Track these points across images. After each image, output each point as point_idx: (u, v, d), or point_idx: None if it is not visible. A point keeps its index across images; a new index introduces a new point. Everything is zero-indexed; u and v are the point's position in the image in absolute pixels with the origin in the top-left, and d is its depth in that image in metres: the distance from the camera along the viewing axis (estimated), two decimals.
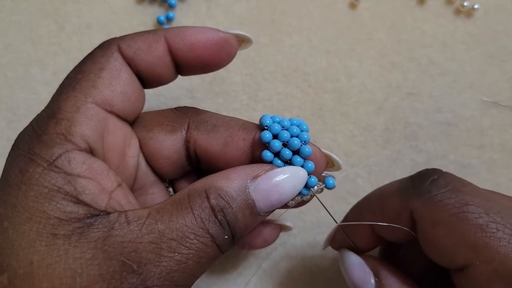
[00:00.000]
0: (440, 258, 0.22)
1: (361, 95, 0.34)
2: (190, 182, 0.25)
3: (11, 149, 0.21)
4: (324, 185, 0.23)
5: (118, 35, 0.23)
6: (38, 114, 0.21)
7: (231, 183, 0.20)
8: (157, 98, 0.34)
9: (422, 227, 0.22)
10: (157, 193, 0.25)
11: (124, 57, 0.23)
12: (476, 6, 0.35)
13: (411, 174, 0.24)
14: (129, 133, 0.24)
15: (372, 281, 0.24)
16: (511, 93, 0.34)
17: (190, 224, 0.19)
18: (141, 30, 0.31)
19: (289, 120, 0.23)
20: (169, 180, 0.26)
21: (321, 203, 0.24)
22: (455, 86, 0.34)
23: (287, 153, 0.22)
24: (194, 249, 0.19)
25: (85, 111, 0.21)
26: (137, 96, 0.23)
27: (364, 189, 0.32)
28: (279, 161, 0.22)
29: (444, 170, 0.23)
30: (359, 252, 0.25)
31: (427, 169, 0.23)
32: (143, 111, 0.25)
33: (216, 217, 0.20)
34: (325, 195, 0.25)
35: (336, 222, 0.25)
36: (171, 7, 0.35)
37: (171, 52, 0.23)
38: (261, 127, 0.23)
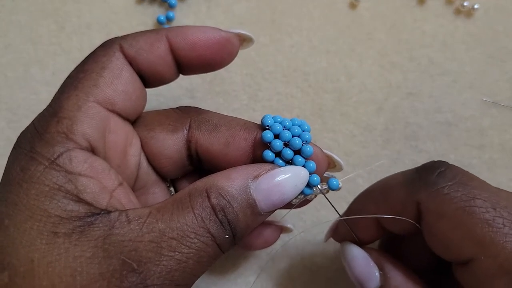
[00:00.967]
0: (444, 251, 0.22)
1: (361, 95, 0.34)
2: (192, 182, 0.25)
3: (13, 147, 0.21)
4: (327, 185, 0.23)
5: (118, 35, 0.23)
6: (40, 113, 0.21)
7: (232, 182, 0.20)
8: (157, 98, 0.34)
9: (427, 219, 0.22)
10: (158, 193, 0.25)
11: (126, 56, 0.23)
12: (476, 6, 0.35)
13: None
14: (130, 132, 0.24)
15: (377, 274, 0.24)
16: (511, 93, 0.34)
17: (190, 223, 0.19)
18: (141, 30, 0.31)
19: (290, 120, 0.23)
20: (170, 180, 0.26)
21: (327, 199, 0.24)
22: (455, 86, 0.34)
23: (288, 152, 0.22)
24: (194, 248, 0.19)
25: (86, 110, 0.21)
26: (138, 95, 0.23)
27: (364, 188, 0.32)
28: (281, 161, 0.22)
29: None
30: (361, 244, 0.25)
31: (434, 161, 0.23)
32: (144, 111, 0.25)
33: (216, 216, 0.19)
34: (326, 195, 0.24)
35: (340, 215, 0.25)
36: (171, 7, 0.35)
37: (173, 51, 0.23)
38: (263, 127, 0.23)
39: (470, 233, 0.20)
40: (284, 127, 0.22)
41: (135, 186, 0.25)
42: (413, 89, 0.34)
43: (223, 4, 0.36)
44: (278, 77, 0.35)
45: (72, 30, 0.36)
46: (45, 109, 0.21)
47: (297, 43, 0.35)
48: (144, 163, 0.25)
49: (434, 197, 0.21)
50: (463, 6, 0.35)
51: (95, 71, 0.22)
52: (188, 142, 0.24)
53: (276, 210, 0.22)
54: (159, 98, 0.34)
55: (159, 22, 0.35)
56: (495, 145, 0.33)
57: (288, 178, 0.21)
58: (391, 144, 0.33)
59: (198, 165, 0.25)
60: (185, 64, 0.24)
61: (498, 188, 0.22)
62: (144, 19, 0.36)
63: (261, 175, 0.21)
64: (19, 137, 0.21)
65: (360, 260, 0.24)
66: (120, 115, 0.23)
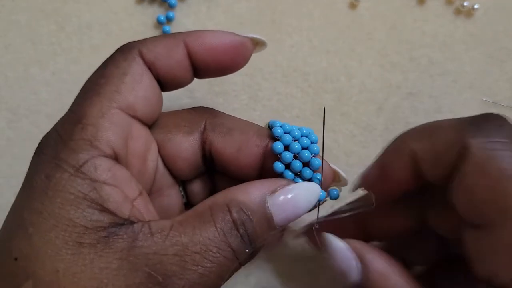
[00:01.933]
0: (469, 208, 0.20)
1: (361, 95, 0.34)
2: (202, 183, 0.26)
3: (35, 153, 0.21)
4: (328, 196, 0.24)
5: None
6: (62, 118, 0.21)
7: (252, 197, 0.21)
8: None
9: (466, 169, 0.20)
10: (173, 195, 0.26)
11: (145, 62, 0.23)
12: (476, 6, 0.35)
13: None
14: (149, 137, 0.24)
15: (357, 265, 0.23)
16: (511, 93, 0.34)
17: (213, 237, 0.19)
18: (142, 30, 0.31)
19: (298, 129, 0.23)
20: (180, 181, 0.26)
21: (318, 207, 0.24)
22: (455, 86, 0.34)
23: (297, 165, 0.23)
24: (216, 262, 0.19)
25: (110, 117, 0.21)
26: (157, 100, 0.24)
27: None
28: (290, 173, 0.23)
29: None
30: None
31: (492, 113, 0.22)
32: None
33: (238, 230, 0.20)
34: None
35: (316, 221, 0.25)
36: (171, 7, 0.35)
37: (190, 56, 0.23)
38: (273, 137, 0.23)
39: (506, 199, 0.19)
40: (294, 137, 0.23)
41: (151, 189, 0.25)
42: (413, 89, 0.34)
43: (223, 4, 0.36)
44: (278, 77, 0.35)
45: (72, 30, 0.36)
46: (66, 115, 0.21)
47: (297, 43, 0.35)
48: (161, 166, 0.25)
49: (484, 148, 0.20)
50: (463, 6, 0.35)
51: (116, 76, 0.21)
52: (203, 143, 0.24)
53: (288, 224, 0.22)
54: None
55: (159, 22, 0.35)
56: None
57: (303, 194, 0.22)
58: None
59: (210, 166, 0.25)
60: (202, 69, 0.24)
61: None
62: (144, 19, 0.36)
63: (278, 190, 0.21)
64: (41, 143, 0.21)
65: (340, 252, 0.24)
66: (140, 120, 0.23)
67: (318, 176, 0.23)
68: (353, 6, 0.36)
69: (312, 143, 0.23)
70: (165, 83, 0.24)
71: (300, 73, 0.35)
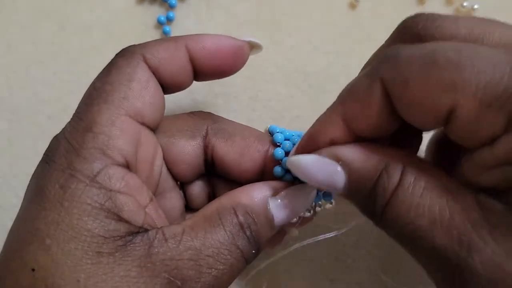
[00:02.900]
0: (422, 116, 0.18)
1: None
2: (201, 185, 0.27)
3: (44, 161, 0.20)
4: (323, 200, 0.26)
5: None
6: (69, 125, 0.21)
7: (255, 200, 0.22)
8: None
9: (395, 93, 0.18)
10: (174, 197, 0.26)
11: (149, 67, 0.23)
12: (476, 6, 0.35)
13: None
14: (155, 142, 0.24)
15: (339, 168, 0.20)
16: None
17: (223, 240, 0.20)
18: (142, 31, 0.31)
19: (298, 136, 0.25)
20: (180, 183, 0.27)
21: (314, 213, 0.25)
22: None
23: None
24: (228, 264, 0.20)
25: (120, 125, 0.21)
26: (161, 105, 0.24)
27: None
28: (289, 176, 0.24)
29: None
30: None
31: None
32: None
33: (244, 233, 0.21)
34: None
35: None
36: (171, 7, 0.36)
37: (192, 60, 0.24)
38: (273, 142, 0.25)
39: (439, 83, 0.17)
40: (293, 144, 0.24)
41: (155, 193, 0.25)
42: None
43: (223, 4, 0.36)
44: (278, 78, 0.35)
45: (72, 31, 0.36)
46: (74, 122, 0.21)
47: (297, 44, 0.35)
48: (164, 169, 0.25)
49: (395, 67, 0.18)
50: (463, 6, 0.35)
51: (122, 83, 0.21)
52: (205, 148, 0.25)
53: (285, 223, 0.23)
54: None
55: (159, 22, 0.35)
56: None
57: (300, 195, 0.23)
58: None
59: (210, 169, 0.26)
60: (202, 72, 0.24)
61: (457, 16, 0.20)
62: (144, 19, 0.36)
63: (278, 193, 0.23)
64: (49, 150, 0.21)
65: (315, 164, 0.21)
66: (148, 126, 0.23)
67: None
68: (353, 6, 0.36)
69: None
70: (167, 87, 0.24)
71: (300, 74, 0.35)
